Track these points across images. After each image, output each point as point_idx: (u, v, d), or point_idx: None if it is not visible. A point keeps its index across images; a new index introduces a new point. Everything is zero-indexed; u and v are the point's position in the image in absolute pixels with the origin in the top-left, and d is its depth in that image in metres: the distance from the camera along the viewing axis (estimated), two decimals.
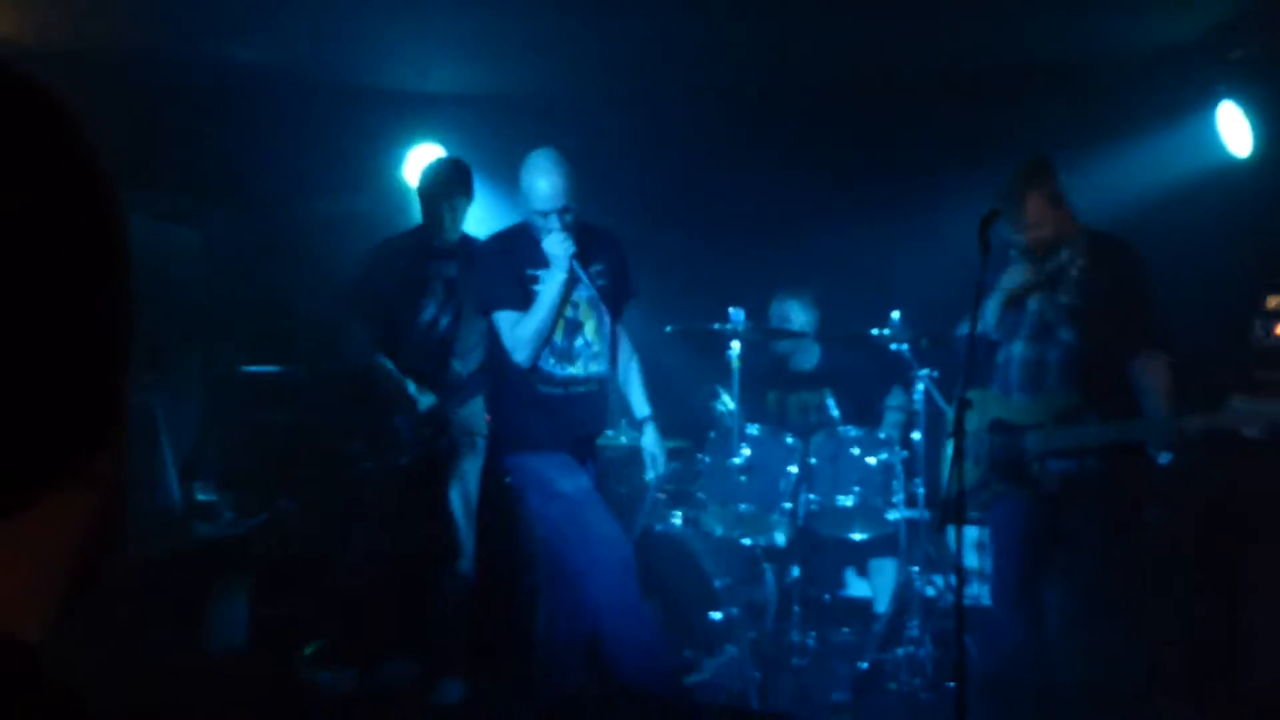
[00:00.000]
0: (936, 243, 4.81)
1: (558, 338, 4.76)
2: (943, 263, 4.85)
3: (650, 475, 5.14)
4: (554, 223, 4.67)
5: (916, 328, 5.42)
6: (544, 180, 4.67)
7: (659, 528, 5.69)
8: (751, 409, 6.16)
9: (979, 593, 5.43)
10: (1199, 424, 3.95)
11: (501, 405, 5.05)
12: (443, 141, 6.76)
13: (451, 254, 5.50)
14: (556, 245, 4.65)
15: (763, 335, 5.70)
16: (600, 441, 6.01)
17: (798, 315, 6.20)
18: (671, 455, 5.95)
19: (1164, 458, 4.53)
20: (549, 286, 4.68)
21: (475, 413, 5.56)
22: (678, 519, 5.74)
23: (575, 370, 4.81)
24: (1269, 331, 5.30)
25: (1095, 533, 4.27)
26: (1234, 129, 5.79)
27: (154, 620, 4.73)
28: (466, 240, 5.54)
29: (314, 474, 6.15)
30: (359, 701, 5.30)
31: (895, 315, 5.44)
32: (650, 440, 5.09)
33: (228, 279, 6.35)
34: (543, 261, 4.72)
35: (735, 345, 5.35)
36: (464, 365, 5.48)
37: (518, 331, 4.70)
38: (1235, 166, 5.80)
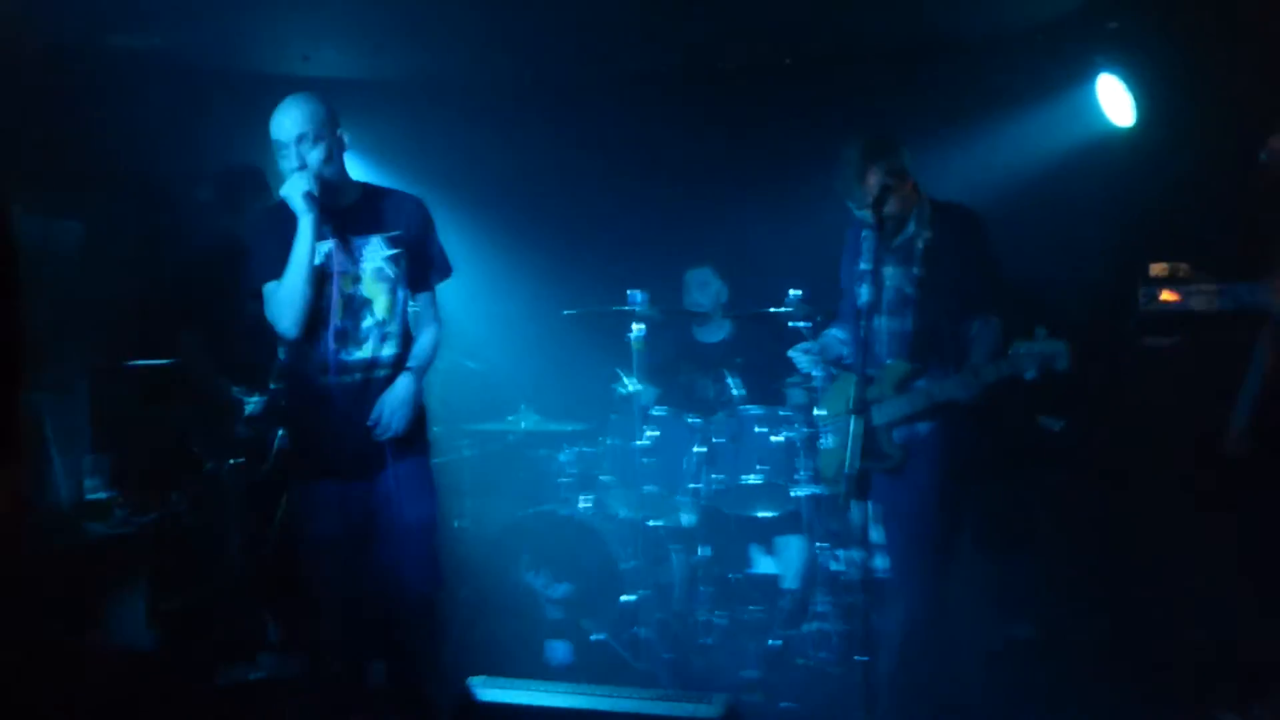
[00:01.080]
0: (833, 221, 4.82)
1: (337, 318, 4.11)
2: (840, 239, 4.87)
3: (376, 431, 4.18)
4: (292, 160, 4.04)
5: (815, 305, 5.46)
6: (281, 113, 4.08)
7: (564, 512, 5.67)
8: (663, 385, 6.17)
9: (885, 565, 5.49)
10: (990, 372, 4.21)
11: (290, 405, 4.51)
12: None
13: None
14: (291, 186, 3.99)
15: (661, 315, 5.69)
16: (498, 426, 5.98)
17: (704, 283, 6.21)
18: (573, 439, 5.95)
19: (1054, 425, 4.63)
20: (298, 240, 4.01)
21: None
22: (583, 503, 5.71)
23: (363, 354, 4.15)
24: (1154, 298, 5.42)
25: (925, 495, 4.34)
26: (1114, 100, 5.92)
27: (49, 619, 4.59)
28: None
29: (205, 467, 6.01)
30: (263, 692, 5.20)
31: (794, 293, 5.48)
32: (392, 392, 4.20)
33: (111, 270, 6.16)
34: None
35: (636, 327, 5.33)
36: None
37: (274, 299, 4.08)
38: (1117, 136, 5.93)
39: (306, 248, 4.01)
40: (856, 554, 5.46)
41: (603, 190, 6.75)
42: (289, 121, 4.05)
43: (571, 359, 6.16)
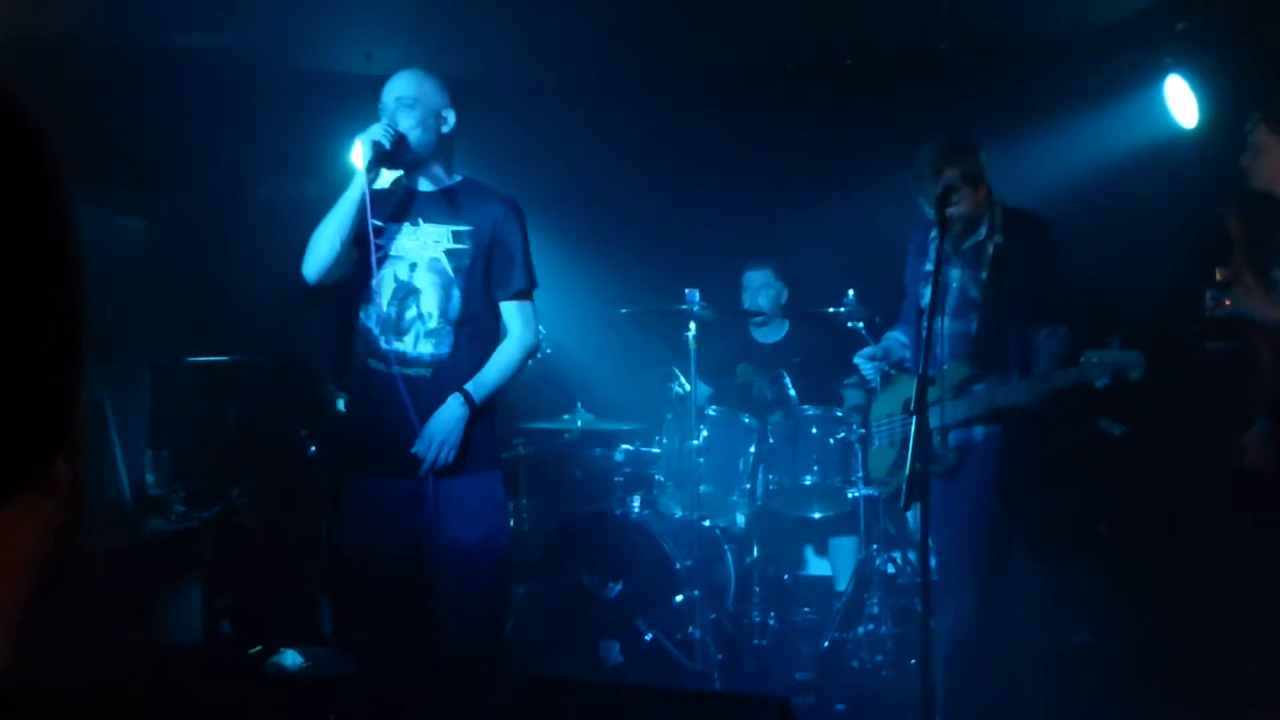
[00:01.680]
0: (892, 222, 4.79)
1: (384, 303, 3.92)
2: (899, 242, 4.83)
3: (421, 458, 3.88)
4: (385, 117, 3.94)
5: (871, 306, 5.43)
6: (392, 79, 4.01)
7: (618, 512, 5.67)
8: (719, 385, 6.17)
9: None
10: (1059, 379, 4.17)
11: (347, 382, 4.26)
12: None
13: None
14: (367, 132, 3.85)
15: (717, 315, 5.68)
16: (554, 425, 5.99)
17: (765, 285, 6.20)
18: (629, 438, 5.95)
19: (1115, 429, 4.56)
20: (353, 182, 3.86)
21: None
22: (636, 502, 5.71)
23: (404, 346, 3.91)
24: (1219, 303, 5.34)
25: (977, 500, 4.29)
26: (1181, 101, 5.83)
27: (108, 615, 4.65)
28: None
29: (265, 464, 6.08)
30: (314, 688, 5.24)
31: (850, 294, 5.45)
32: (438, 419, 3.89)
33: (175, 268, 6.25)
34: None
35: (692, 326, 5.33)
36: None
37: (312, 238, 3.94)
38: (1183, 138, 5.85)
39: (358, 191, 3.83)
40: (912, 556, 5.48)
41: (659, 190, 6.75)
42: (396, 84, 3.98)
43: (628, 358, 6.15)
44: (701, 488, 5.48)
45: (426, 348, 3.92)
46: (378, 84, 6.45)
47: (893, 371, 4.72)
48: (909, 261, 4.63)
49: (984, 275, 4.34)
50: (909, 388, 4.39)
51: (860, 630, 5.37)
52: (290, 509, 5.88)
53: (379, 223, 3.91)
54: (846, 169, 6.38)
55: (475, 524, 3.94)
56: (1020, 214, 4.45)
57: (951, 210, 4.17)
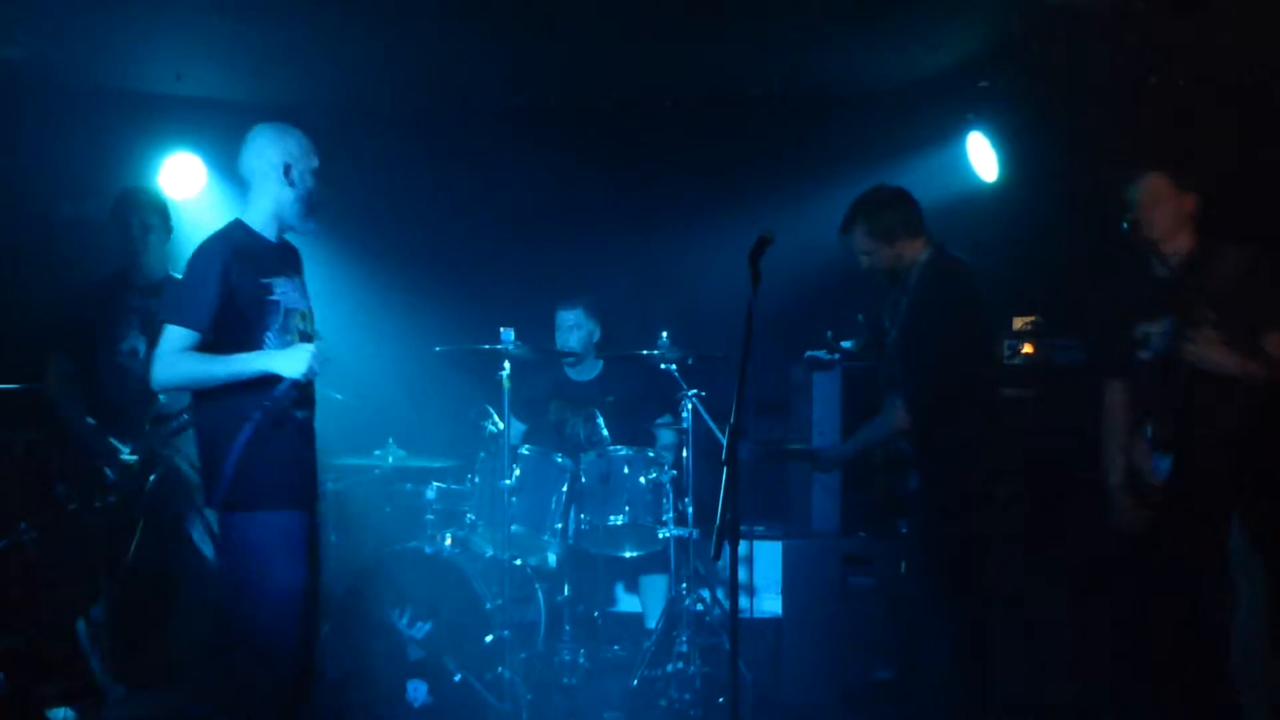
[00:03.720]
0: (705, 265, 4.88)
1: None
2: (709, 283, 4.91)
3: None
4: (309, 183, 4.21)
5: (683, 348, 5.50)
6: (301, 137, 4.22)
7: (429, 550, 5.59)
8: (534, 423, 6.15)
9: (745, 606, 5.55)
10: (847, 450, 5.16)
11: (261, 436, 4.11)
12: (199, 149, 6.48)
13: (154, 290, 5.24)
14: (297, 359, 4.05)
15: (531, 354, 5.66)
16: (364, 461, 5.90)
17: (576, 325, 6.20)
18: (441, 475, 5.89)
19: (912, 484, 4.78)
20: (257, 363, 4.02)
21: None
22: (448, 540, 5.64)
23: (309, 389, 4.16)
24: (1016, 351, 5.58)
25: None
26: (981, 156, 6.09)
27: None
28: (170, 280, 5.19)
29: (58, 497, 5.80)
30: None
31: (664, 335, 5.51)
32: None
33: None
34: None
35: (507, 365, 5.31)
36: (170, 396, 5.14)
37: (189, 361, 4.01)
38: (983, 191, 6.10)
39: (252, 373, 3.93)
40: (721, 594, 5.56)
41: (476, 227, 6.73)
42: (295, 146, 4.10)
43: (442, 395, 6.10)
44: (513, 527, 5.45)
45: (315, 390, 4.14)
46: (188, 105, 6.28)
47: None
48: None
49: (894, 332, 4.50)
50: None
51: (669, 668, 5.40)
52: (79, 545, 5.61)
53: (266, 280, 4.01)
54: (661, 211, 6.46)
55: (273, 560, 3.96)
56: (931, 268, 4.58)
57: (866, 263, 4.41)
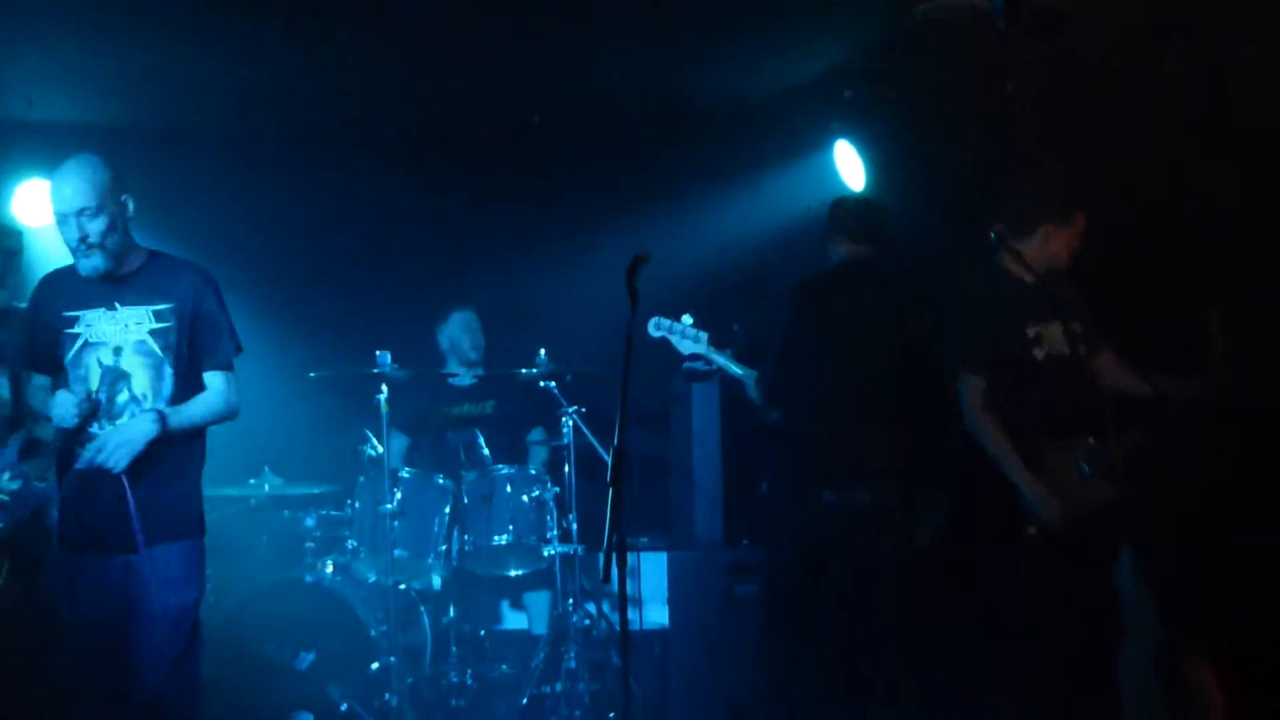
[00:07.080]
0: (583, 281, 4.87)
1: (93, 389, 3.93)
2: (586, 300, 4.91)
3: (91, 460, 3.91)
4: (72, 230, 3.89)
5: (562, 364, 5.50)
6: (61, 181, 3.91)
7: (309, 579, 5.50)
8: (416, 437, 6.08)
9: (633, 618, 5.56)
10: None
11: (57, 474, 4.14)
12: (52, 176, 6.26)
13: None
14: (63, 409, 3.88)
15: (409, 377, 5.61)
16: (239, 490, 5.77)
17: (470, 325, 6.19)
18: (320, 502, 5.79)
19: None
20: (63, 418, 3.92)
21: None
22: (329, 568, 5.56)
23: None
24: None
25: None
26: (849, 164, 6.19)
27: None
28: (14, 310, 4.95)
29: None
30: None
31: (542, 353, 5.51)
32: (124, 427, 3.93)
33: None
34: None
35: (384, 389, 5.27)
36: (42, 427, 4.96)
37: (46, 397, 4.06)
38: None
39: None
40: (608, 609, 5.57)
41: (349, 250, 6.63)
42: (69, 191, 3.89)
43: (318, 421, 6.00)
44: (396, 552, 5.40)
45: None
46: (39, 130, 6.08)
47: None
48: None
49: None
50: None
51: (559, 686, 5.40)
52: None
53: (72, 313, 3.96)
54: (535, 229, 6.45)
55: (175, 591, 3.95)
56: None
57: None
